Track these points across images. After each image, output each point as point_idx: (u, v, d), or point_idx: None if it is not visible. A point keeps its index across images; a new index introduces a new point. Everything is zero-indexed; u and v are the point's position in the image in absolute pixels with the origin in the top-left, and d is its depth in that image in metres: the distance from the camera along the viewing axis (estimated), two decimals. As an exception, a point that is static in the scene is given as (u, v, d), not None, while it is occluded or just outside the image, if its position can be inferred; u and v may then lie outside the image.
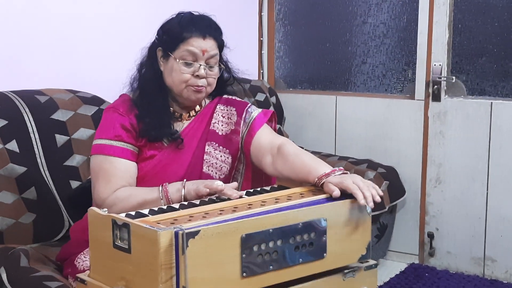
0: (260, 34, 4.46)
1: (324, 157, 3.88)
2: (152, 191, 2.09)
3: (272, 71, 4.50)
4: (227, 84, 2.39)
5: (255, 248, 1.72)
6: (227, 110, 2.34)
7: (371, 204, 1.93)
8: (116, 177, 2.14)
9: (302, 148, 2.30)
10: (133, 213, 1.84)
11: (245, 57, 4.30)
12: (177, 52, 2.18)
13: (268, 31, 4.45)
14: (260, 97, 4.08)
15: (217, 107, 2.35)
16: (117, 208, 2.03)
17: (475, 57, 3.80)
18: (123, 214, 1.80)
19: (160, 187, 2.08)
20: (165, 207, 1.93)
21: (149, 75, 2.25)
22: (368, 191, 1.93)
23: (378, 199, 1.94)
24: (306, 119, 4.34)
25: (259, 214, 1.78)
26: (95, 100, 3.00)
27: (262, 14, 4.44)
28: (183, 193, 2.05)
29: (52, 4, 3.08)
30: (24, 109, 2.71)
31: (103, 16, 3.33)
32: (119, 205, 2.06)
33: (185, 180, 2.09)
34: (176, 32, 2.20)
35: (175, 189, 2.07)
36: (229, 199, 1.97)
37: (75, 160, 2.80)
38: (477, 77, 3.81)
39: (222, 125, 2.32)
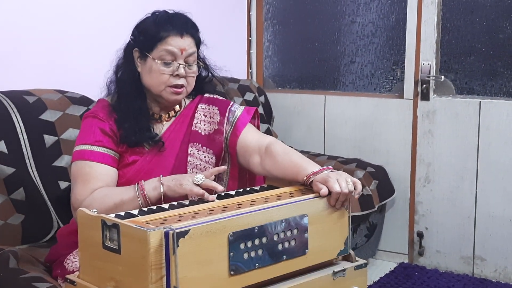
0: (249, 34, 4.45)
1: (313, 156, 3.88)
2: (128, 190, 2.06)
3: (260, 71, 4.50)
4: (206, 82, 2.36)
5: (241, 246, 1.74)
6: (209, 109, 2.32)
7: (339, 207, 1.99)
8: (95, 179, 2.10)
9: (291, 147, 2.29)
10: (122, 213, 1.84)
11: (234, 57, 4.31)
12: (155, 52, 2.15)
13: (257, 31, 4.45)
14: (249, 96, 4.08)
15: (199, 106, 2.32)
16: (94, 209, 1.99)
17: (463, 56, 3.81)
18: (113, 215, 1.79)
19: (136, 185, 2.05)
20: (154, 207, 1.92)
21: (126, 77, 2.22)
22: (344, 196, 1.96)
23: (346, 205, 2.01)
24: (295, 119, 4.34)
25: (245, 212, 1.79)
26: (84, 100, 2.99)
27: (250, 13, 4.43)
28: (161, 191, 2.02)
29: (40, 4, 3.06)
30: (13, 110, 2.70)
31: (91, 16, 3.32)
32: (95, 205, 2.00)
33: (161, 176, 2.06)
34: (152, 31, 2.17)
35: (151, 186, 2.03)
36: (219, 196, 1.97)
37: (64, 160, 2.79)
38: (465, 76, 3.82)
39: (204, 125, 2.30)
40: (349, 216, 2.03)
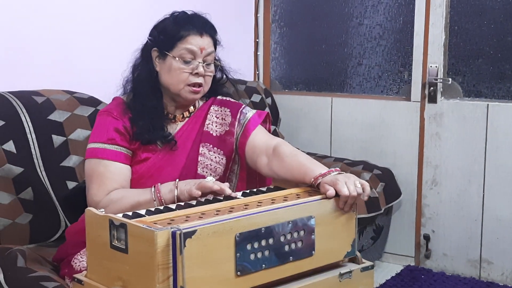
0: (256, 35, 4.46)
1: (320, 158, 3.88)
2: (144, 192, 2.09)
3: (267, 72, 4.50)
4: (220, 84, 2.39)
5: (248, 247, 1.74)
6: (221, 111, 2.34)
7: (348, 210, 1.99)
8: (109, 180, 2.14)
9: (298, 149, 2.30)
10: (130, 213, 1.84)
11: (241, 58, 4.31)
12: (175, 50, 2.18)
13: (264, 32, 4.46)
14: (256, 98, 4.09)
15: (211, 108, 2.34)
16: (111, 210, 2.01)
17: (471, 58, 3.81)
18: (120, 215, 1.80)
19: (153, 188, 2.07)
20: (161, 207, 1.93)
21: (144, 77, 2.25)
22: (353, 199, 1.96)
23: (353, 207, 2.00)
24: (301, 120, 4.35)
25: (252, 213, 1.79)
26: (92, 101, 3.00)
27: (258, 15, 4.44)
28: (176, 194, 2.04)
29: (49, 5, 3.08)
30: (21, 110, 2.71)
31: (100, 17, 3.33)
32: (112, 207, 2.05)
33: (177, 180, 2.08)
34: (172, 31, 2.20)
35: (167, 189, 2.06)
36: (224, 197, 1.97)
37: (72, 160, 2.80)
38: (473, 79, 3.82)
39: (216, 126, 2.32)
40: (356, 218, 2.03)
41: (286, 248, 1.83)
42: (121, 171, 2.17)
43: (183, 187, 2.04)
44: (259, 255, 1.76)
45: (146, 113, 2.21)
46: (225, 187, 1.98)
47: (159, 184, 2.08)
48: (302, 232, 1.86)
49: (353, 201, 1.96)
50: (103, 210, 1.82)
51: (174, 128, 2.29)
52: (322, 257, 1.93)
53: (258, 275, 1.77)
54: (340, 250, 1.99)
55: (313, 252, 1.89)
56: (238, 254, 1.71)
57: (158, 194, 2.05)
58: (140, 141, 2.20)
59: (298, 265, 1.87)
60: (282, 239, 1.81)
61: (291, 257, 1.84)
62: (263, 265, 1.77)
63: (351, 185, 1.96)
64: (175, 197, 2.04)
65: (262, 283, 1.79)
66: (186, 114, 2.31)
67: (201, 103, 2.37)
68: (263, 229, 1.76)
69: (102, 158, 2.15)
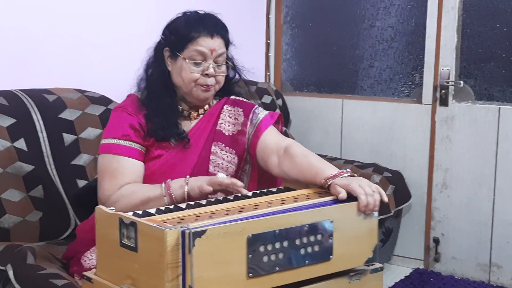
0: (267, 37, 4.46)
1: (330, 160, 3.84)
2: (155, 188, 2.10)
3: (278, 74, 4.50)
4: (233, 83, 2.40)
5: (261, 249, 1.72)
6: (234, 110, 2.35)
7: (373, 212, 1.94)
8: (122, 175, 2.15)
9: (308, 150, 2.30)
10: (140, 212, 1.84)
11: (252, 59, 4.26)
12: (185, 52, 2.19)
13: (276, 34, 4.45)
14: (267, 99, 4.08)
15: (224, 107, 2.35)
16: (121, 205, 2.04)
17: (483, 62, 3.79)
18: (130, 213, 1.80)
19: (163, 184, 2.08)
20: (171, 206, 1.93)
21: (156, 76, 2.26)
22: (372, 197, 1.93)
23: (377, 209, 1.95)
24: (312, 122, 4.34)
25: (266, 215, 1.78)
26: (103, 100, 3.01)
27: (269, 16, 4.44)
28: (186, 190, 2.05)
29: (61, 4, 3.09)
30: (33, 108, 2.72)
31: (111, 16, 3.34)
32: (123, 201, 2.07)
33: (188, 176, 2.09)
34: (183, 32, 2.21)
35: (177, 185, 2.07)
36: (236, 197, 1.97)
37: (82, 159, 2.81)
38: (485, 82, 3.80)
39: (228, 126, 2.32)
40: (377, 223, 1.99)
41: (302, 251, 1.80)
42: (134, 167, 2.18)
43: (193, 183, 2.04)
44: (273, 257, 1.74)
45: (160, 111, 2.22)
46: (236, 181, 1.98)
47: (169, 180, 2.09)
48: (319, 236, 1.83)
49: (373, 200, 1.93)
50: (113, 208, 1.83)
51: (188, 126, 2.30)
52: (341, 262, 1.90)
53: (271, 278, 1.75)
54: (361, 256, 1.96)
55: (331, 256, 1.86)
56: (250, 256, 1.70)
57: (168, 190, 2.06)
58: (154, 137, 2.21)
59: (314, 269, 1.84)
60: (297, 242, 1.79)
61: (306, 261, 1.81)
62: (276, 268, 1.75)
63: (366, 186, 1.95)
64: (185, 193, 2.04)
65: (275, 286, 1.77)
66: (201, 111, 2.32)
67: (214, 102, 2.38)
68: (277, 231, 1.74)
69: (116, 153, 2.17)
